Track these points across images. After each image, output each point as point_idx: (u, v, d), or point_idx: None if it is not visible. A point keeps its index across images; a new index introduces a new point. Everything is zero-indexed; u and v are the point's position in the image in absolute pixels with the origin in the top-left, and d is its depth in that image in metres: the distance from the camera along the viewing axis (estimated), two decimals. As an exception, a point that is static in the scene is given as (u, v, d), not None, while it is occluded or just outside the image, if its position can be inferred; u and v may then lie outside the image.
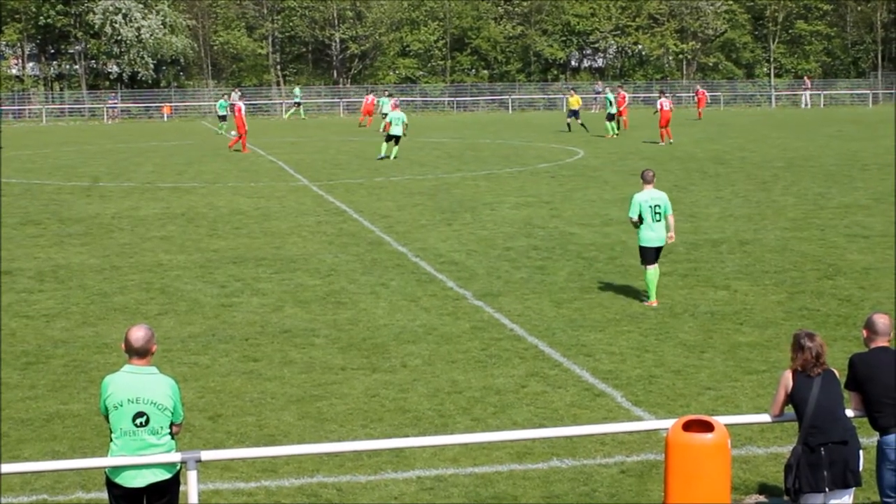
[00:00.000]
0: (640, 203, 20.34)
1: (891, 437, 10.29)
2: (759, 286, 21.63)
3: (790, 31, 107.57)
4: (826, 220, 30.14)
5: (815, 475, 9.92)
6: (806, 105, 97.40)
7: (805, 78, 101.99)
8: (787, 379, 10.23)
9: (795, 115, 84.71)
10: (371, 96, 77.63)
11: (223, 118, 69.87)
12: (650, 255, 20.53)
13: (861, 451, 10.10)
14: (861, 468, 10.09)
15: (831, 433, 9.94)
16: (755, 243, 26.35)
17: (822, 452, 9.90)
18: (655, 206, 20.30)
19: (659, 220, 20.34)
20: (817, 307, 20.24)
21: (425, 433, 13.62)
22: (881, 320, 10.64)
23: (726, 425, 9.90)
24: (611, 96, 63.18)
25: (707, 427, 9.65)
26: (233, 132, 64.18)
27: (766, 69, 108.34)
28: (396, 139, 48.63)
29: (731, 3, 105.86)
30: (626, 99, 69.42)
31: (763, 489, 12.00)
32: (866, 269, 23.50)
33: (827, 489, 9.95)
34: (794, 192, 36.09)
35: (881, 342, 10.58)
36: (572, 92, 70.72)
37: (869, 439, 10.78)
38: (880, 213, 31.13)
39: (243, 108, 55.97)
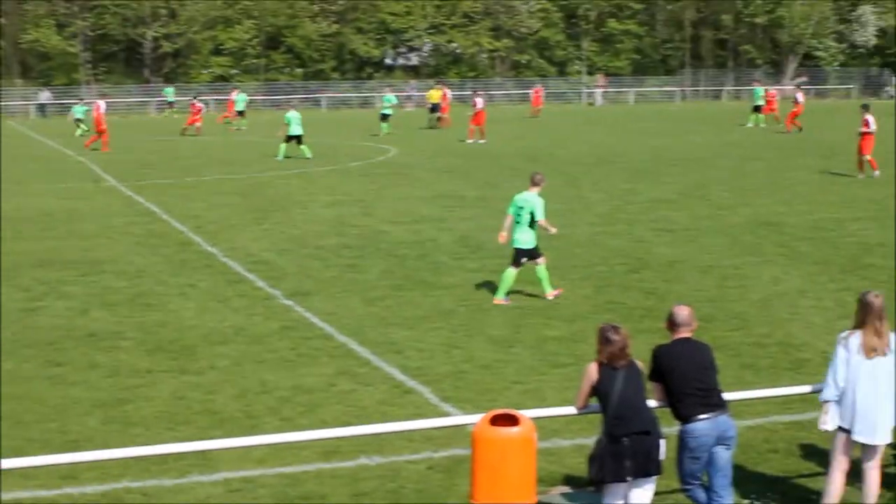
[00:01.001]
0: (513, 202, 20.66)
1: (691, 426, 10.50)
2: (567, 280, 21.87)
3: (602, 29, 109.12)
4: (633, 214, 30.69)
5: (618, 465, 10.05)
6: (599, 103, 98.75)
7: (599, 76, 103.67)
8: (592, 371, 10.35)
9: (606, 112, 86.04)
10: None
11: (80, 120, 68.04)
12: (514, 254, 20.62)
13: (663, 441, 10.24)
14: (663, 457, 10.23)
15: (634, 424, 10.09)
16: (564, 238, 26.56)
17: (626, 442, 10.03)
18: (520, 207, 20.42)
19: (519, 223, 20.38)
20: (623, 300, 20.59)
21: (233, 435, 13.40)
22: (682, 312, 10.85)
23: (533, 418, 9.99)
24: (389, 97, 63.05)
25: (513, 421, 9.69)
26: (78, 133, 63.08)
27: (578, 67, 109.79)
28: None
29: (544, 1, 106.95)
30: (449, 97, 69.95)
31: (569, 480, 12.14)
32: (671, 263, 23.99)
33: (630, 478, 10.09)
34: (602, 187, 36.65)
35: (683, 333, 10.80)
36: (439, 87, 70.69)
37: (670, 429, 10.95)
38: (685, 208, 31.82)
39: (103, 106, 55.08)
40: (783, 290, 21.60)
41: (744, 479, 12.06)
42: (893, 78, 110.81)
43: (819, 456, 12.75)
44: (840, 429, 11.00)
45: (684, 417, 10.56)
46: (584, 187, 36.40)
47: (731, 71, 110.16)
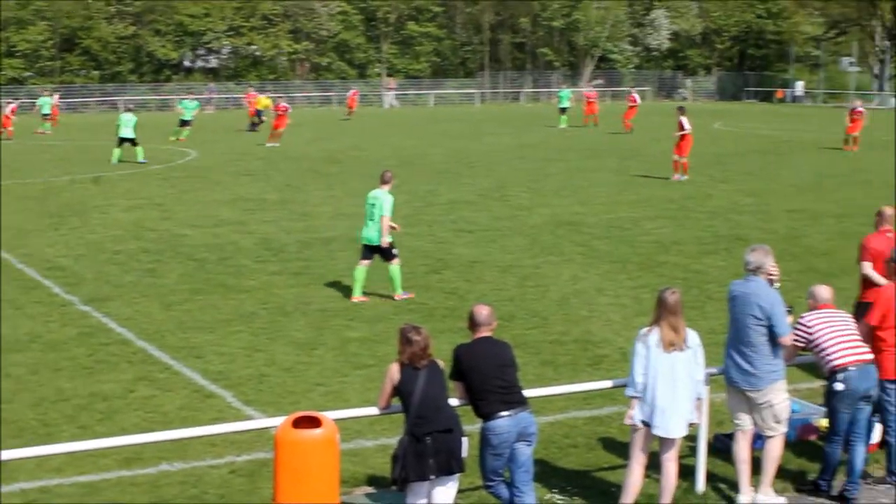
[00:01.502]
0: (366, 199, 21.05)
1: (493, 424, 10.59)
2: (368, 281, 21.79)
3: (402, 31, 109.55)
4: (435, 216, 30.90)
5: (420, 464, 10.10)
6: (390, 106, 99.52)
7: (389, 78, 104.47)
8: (394, 372, 10.39)
9: (406, 115, 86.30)
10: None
11: None
12: (362, 251, 20.90)
13: (465, 439, 10.32)
14: (465, 455, 10.30)
15: (436, 422, 10.15)
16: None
17: (428, 441, 10.09)
18: (371, 204, 20.72)
19: (372, 220, 20.65)
20: (425, 301, 20.72)
21: (29, 444, 13.08)
22: (482, 311, 10.95)
23: (335, 420, 9.96)
24: (192, 104, 61.59)
25: (316, 423, 9.66)
26: None
27: (378, 69, 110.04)
28: None
29: (344, 4, 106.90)
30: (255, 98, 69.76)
31: (372, 481, 12.15)
32: (472, 263, 24.20)
33: (432, 477, 10.15)
34: (404, 189, 36.66)
35: (483, 332, 10.90)
36: (255, 93, 70.00)
37: (472, 426, 11.03)
38: (485, 209, 32.16)
39: None
40: (582, 288, 21.98)
41: (546, 473, 12.23)
42: (687, 80, 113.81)
43: (618, 449, 12.99)
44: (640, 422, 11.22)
45: (486, 415, 10.65)
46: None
47: (530, 73, 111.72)
